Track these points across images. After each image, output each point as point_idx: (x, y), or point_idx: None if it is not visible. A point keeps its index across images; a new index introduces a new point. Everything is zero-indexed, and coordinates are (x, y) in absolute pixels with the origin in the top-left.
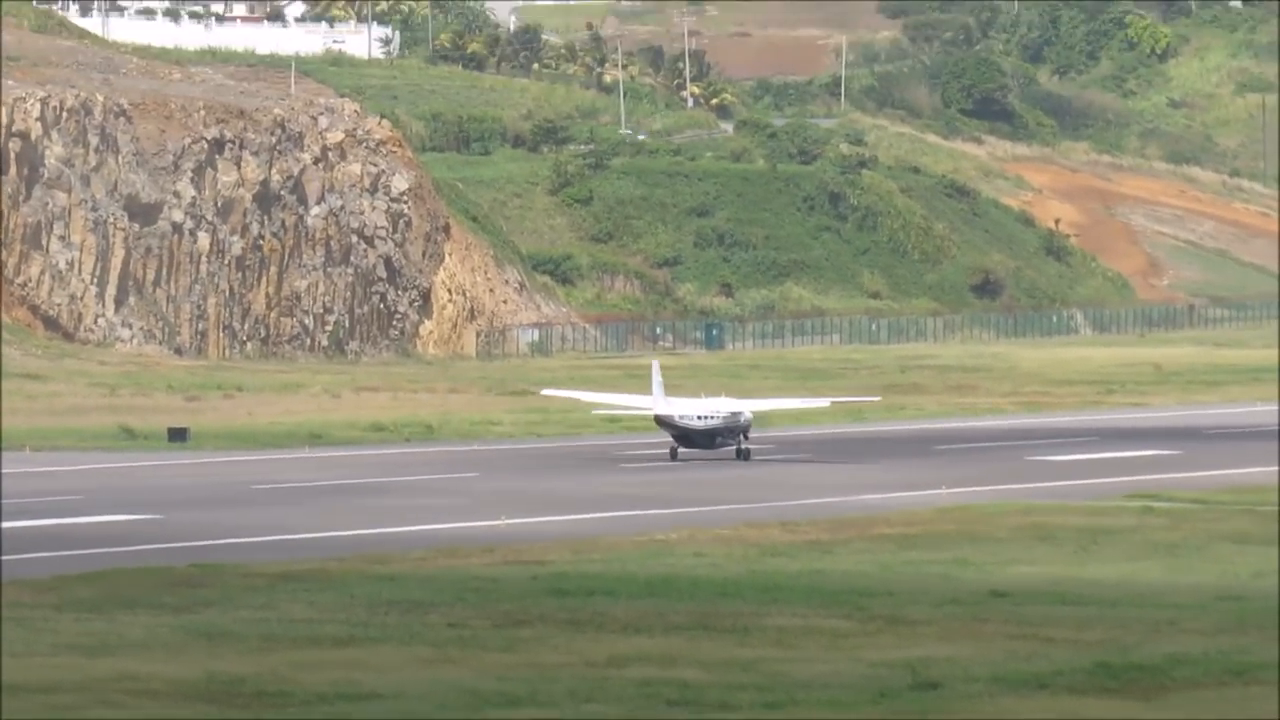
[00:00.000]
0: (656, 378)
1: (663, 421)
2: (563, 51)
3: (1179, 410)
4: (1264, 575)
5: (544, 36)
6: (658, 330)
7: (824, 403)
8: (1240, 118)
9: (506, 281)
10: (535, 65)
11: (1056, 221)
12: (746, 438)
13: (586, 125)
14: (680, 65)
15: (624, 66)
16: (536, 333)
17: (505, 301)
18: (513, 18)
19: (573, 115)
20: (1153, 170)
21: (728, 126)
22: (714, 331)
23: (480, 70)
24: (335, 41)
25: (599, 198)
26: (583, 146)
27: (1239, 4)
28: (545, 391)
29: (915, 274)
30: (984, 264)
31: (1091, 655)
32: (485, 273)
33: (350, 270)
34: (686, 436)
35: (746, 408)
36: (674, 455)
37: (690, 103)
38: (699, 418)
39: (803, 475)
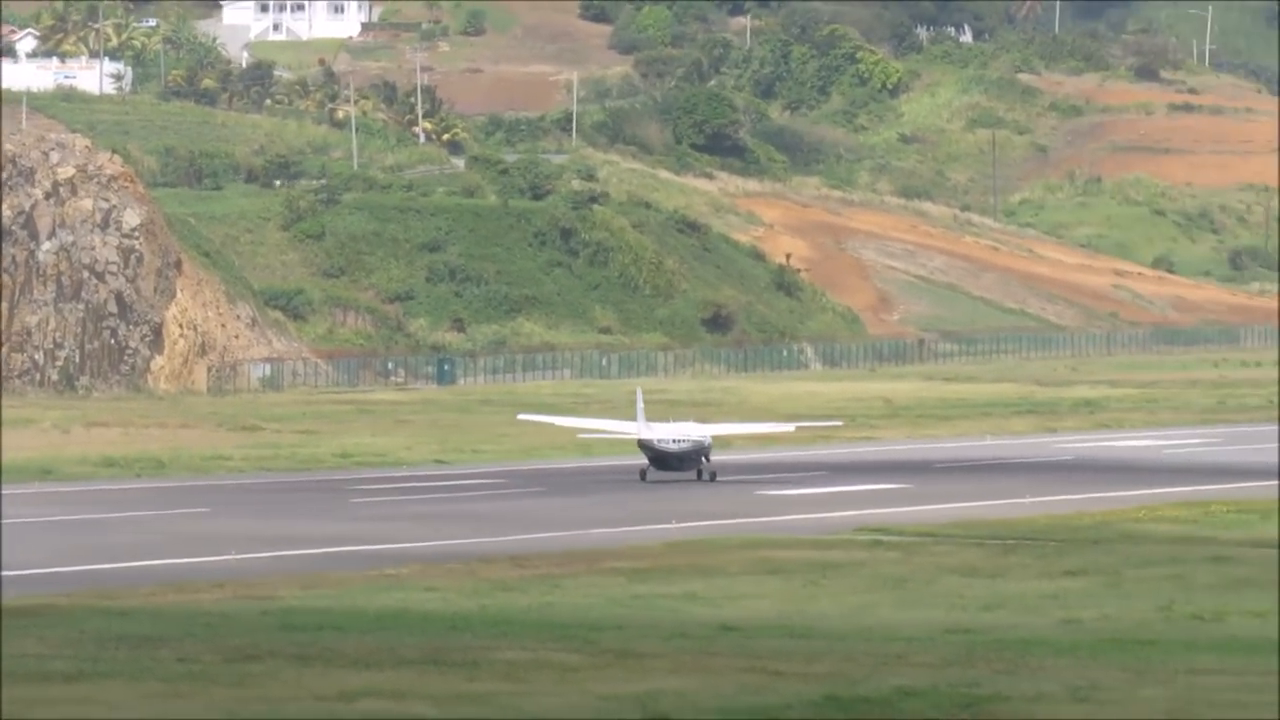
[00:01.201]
0: (640, 405)
1: (644, 445)
2: (295, 87)
3: (909, 444)
4: (992, 608)
5: (276, 72)
6: (389, 365)
7: (789, 428)
8: (971, 153)
9: (238, 317)
10: (268, 101)
11: (787, 256)
12: (708, 459)
13: (318, 160)
14: (412, 101)
15: (356, 102)
16: (268, 368)
17: (237, 337)
18: (245, 54)
19: (305, 151)
20: (883, 205)
21: (459, 162)
22: (445, 367)
23: (213, 106)
24: (67, 77)
25: (331, 233)
26: (314, 181)
27: (970, 40)
28: (521, 416)
29: (646, 309)
30: (715, 299)
31: (820, 688)
32: (217, 308)
33: (81, 306)
34: (662, 459)
35: (708, 432)
36: (644, 476)
37: (422, 138)
38: (673, 441)
39: (534, 510)
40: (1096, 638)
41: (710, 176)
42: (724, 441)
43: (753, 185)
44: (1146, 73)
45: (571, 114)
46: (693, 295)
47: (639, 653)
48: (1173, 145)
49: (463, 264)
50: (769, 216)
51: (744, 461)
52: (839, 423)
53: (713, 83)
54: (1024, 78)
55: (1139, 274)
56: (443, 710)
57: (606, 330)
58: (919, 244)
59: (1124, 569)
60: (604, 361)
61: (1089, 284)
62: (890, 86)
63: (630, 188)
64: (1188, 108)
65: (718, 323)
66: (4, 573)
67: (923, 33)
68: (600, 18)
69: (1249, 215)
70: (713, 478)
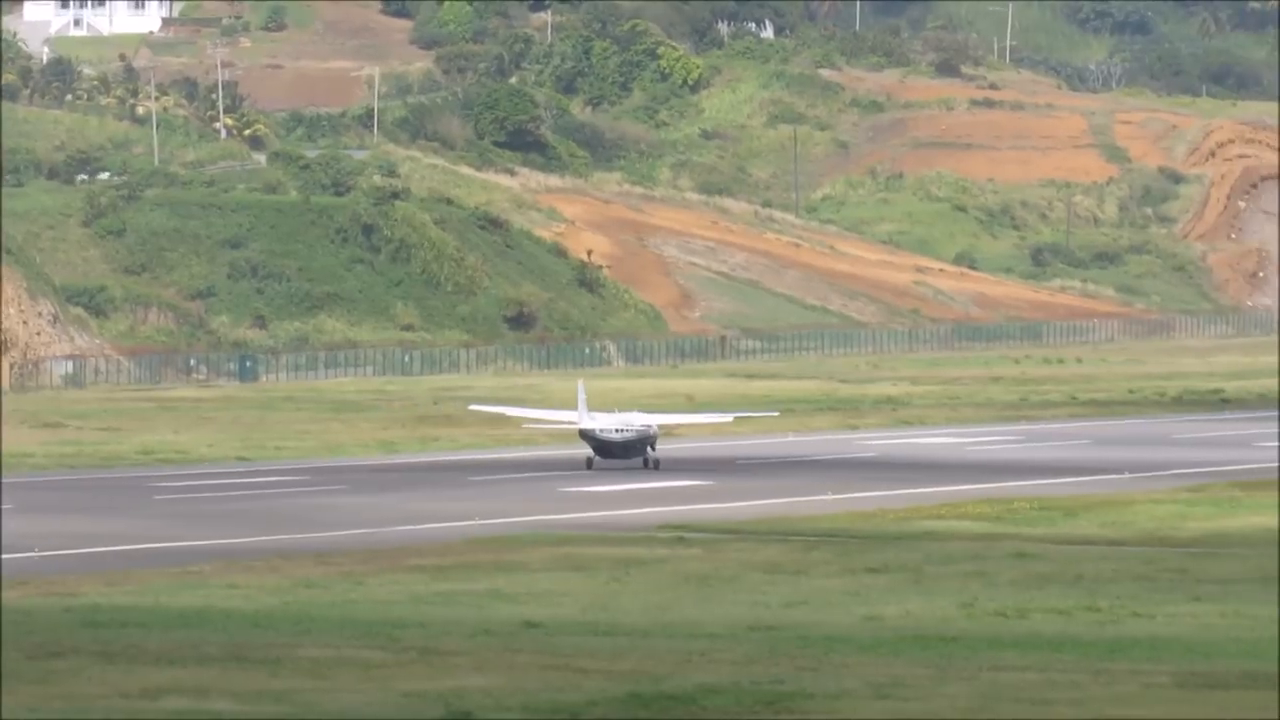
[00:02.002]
0: (581, 396)
1: (586, 435)
2: (96, 83)
3: (711, 441)
4: (795, 605)
5: (78, 68)
6: (191, 362)
7: (727, 418)
8: (772, 149)
9: (40, 313)
10: (69, 97)
11: (589, 253)
12: (653, 448)
13: (120, 156)
14: (214, 97)
15: (157, 98)
16: (70, 365)
17: (39, 334)
18: (46, 49)
19: (106, 146)
20: (685, 201)
21: (261, 158)
22: (247, 364)
23: (14, 102)
24: None
25: (132, 229)
26: (116, 178)
27: (770, 35)
28: (473, 407)
29: (448, 305)
30: (517, 296)
31: (624, 686)
32: (19, 305)
33: None
34: (605, 448)
35: (654, 422)
36: (590, 465)
37: (223, 134)
38: (616, 431)
39: (337, 507)
40: (899, 634)
41: (512, 173)
42: (665, 432)
43: (554, 181)
44: (947, 69)
45: (373, 110)
46: (495, 292)
47: (442, 650)
48: (974, 141)
49: (264, 261)
50: (570, 213)
51: (546, 458)
52: (775, 413)
53: (514, 79)
54: (825, 74)
55: (940, 270)
56: (245, 707)
57: (409, 327)
58: (720, 240)
59: (926, 566)
60: (406, 359)
61: (890, 280)
62: (691, 82)
63: (432, 184)
64: (989, 104)
65: (520, 320)
66: None
67: (724, 28)
68: (401, 13)
69: (1050, 211)
70: (656, 465)
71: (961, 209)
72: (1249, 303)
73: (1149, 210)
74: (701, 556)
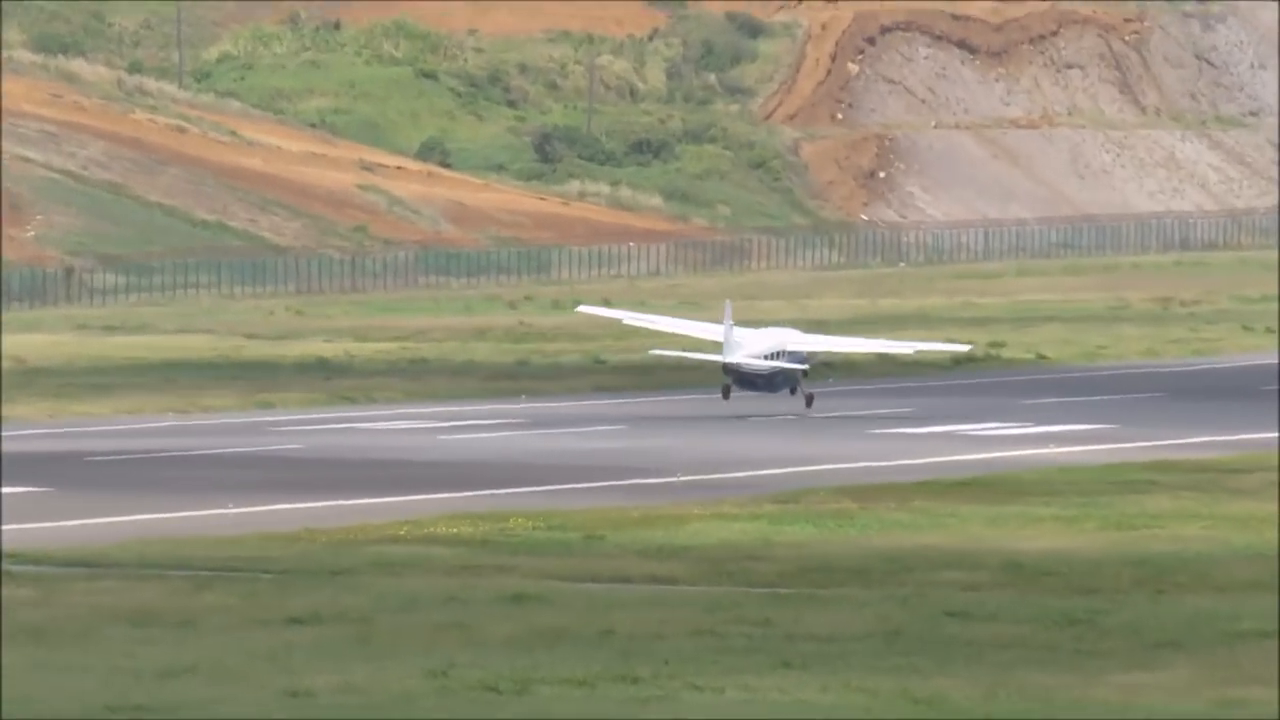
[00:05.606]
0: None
1: (728, 369)
2: None
3: (46, 430)
4: (173, 676)
5: None
6: None
7: (908, 348)
8: None
9: None
10: None
11: None
12: (806, 377)
13: None
14: None
15: None
16: None
17: None
18: None
19: None
20: (13, 64)
21: None
22: None
23: None
24: None
25: None
26: None
27: None
28: (581, 309)
29: None
30: None
31: None
32: None
33: None
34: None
35: (804, 346)
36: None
37: None
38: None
39: None
40: None
41: None
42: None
43: None
44: None
45: None
46: None
47: None
48: None
49: None
50: None
51: None
52: (969, 346)
53: None
54: None
55: (399, 168)
56: None
57: None
58: (67, 123)
59: (379, 615)
60: None
61: (324, 184)
62: None
63: None
64: None
65: None
66: None
67: None
68: None
69: (564, 79)
70: (809, 402)
71: (430, 75)
72: (864, 217)
73: (712, 77)
74: (36, 600)
